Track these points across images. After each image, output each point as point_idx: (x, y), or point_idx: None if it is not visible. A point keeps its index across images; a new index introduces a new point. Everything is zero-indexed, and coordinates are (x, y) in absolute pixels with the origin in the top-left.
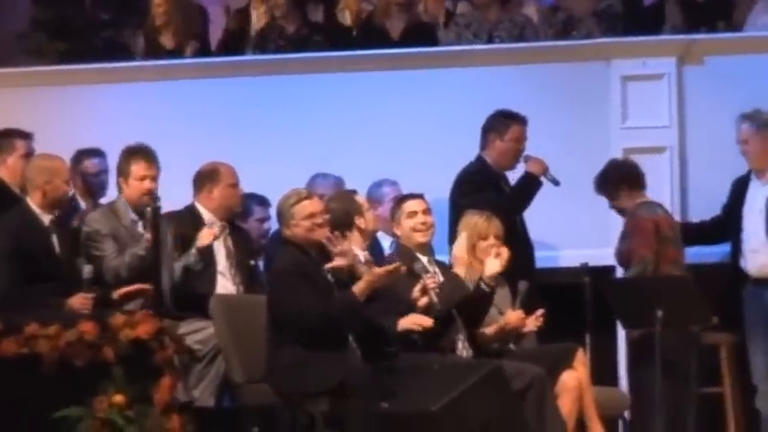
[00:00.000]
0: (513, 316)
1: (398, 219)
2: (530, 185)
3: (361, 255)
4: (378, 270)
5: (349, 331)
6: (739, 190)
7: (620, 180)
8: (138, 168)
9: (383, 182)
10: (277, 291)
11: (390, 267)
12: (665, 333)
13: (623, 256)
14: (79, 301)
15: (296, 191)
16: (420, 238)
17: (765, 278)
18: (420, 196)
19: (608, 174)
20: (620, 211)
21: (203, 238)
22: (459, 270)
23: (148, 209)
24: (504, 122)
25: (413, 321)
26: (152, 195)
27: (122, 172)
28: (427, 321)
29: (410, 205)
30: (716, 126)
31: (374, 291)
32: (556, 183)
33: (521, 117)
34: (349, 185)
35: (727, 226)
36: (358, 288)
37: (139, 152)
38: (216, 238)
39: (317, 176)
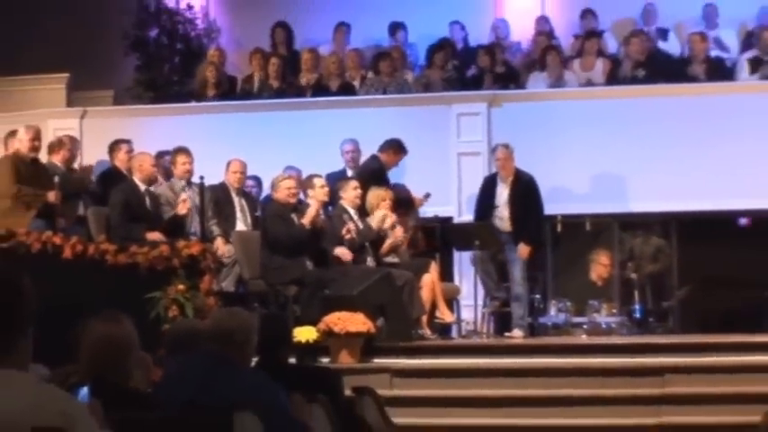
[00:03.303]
0: (398, 231)
1: (345, 189)
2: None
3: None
4: (310, 210)
5: (304, 246)
6: (490, 187)
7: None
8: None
9: (347, 140)
10: (266, 225)
11: (314, 206)
12: None
13: None
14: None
15: (281, 174)
16: (359, 202)
17: (505, 232)
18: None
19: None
20: None
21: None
22: (373, 223)
23: (198, 183)
24: (399, 148)
25: (341, 252)
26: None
27: (172, 162)
28: (348, 255)
29: (353, 183)
30: (509, 141)
31: (315, 221)
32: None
33: (406, 150)
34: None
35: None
36: (305, 220)
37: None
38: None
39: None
